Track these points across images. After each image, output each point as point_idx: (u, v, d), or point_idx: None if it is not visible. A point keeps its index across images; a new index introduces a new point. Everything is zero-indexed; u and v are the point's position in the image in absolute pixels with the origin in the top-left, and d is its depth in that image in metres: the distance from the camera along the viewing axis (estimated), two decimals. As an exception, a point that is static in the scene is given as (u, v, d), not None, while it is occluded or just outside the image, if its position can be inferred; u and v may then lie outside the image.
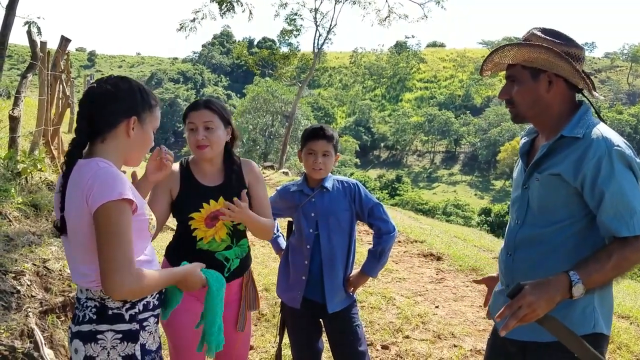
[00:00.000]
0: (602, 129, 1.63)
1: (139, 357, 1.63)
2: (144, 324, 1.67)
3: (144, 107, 1.71)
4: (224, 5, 17.10)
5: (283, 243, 2.75)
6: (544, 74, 1.68)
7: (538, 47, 1.65)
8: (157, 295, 1.74)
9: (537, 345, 1.70)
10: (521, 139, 1.96)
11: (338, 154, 2.54)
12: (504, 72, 1.83)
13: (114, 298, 1.54)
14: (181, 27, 19.12)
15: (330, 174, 2.54)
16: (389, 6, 20.63)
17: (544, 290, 1.51)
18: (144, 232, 1.68)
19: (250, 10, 17.47)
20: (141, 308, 1.66)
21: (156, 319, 1.74)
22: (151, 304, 1.70)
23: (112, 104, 1.66)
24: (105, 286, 1.49)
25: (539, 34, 1.71)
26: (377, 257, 2.54)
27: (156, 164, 1.95)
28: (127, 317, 1.62)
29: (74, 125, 1.73)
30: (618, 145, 1.59)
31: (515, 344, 1.77)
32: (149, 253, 1.73)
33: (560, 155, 1.66)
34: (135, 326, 1.63)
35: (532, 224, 1.75)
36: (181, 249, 2.18)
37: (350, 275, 2.56)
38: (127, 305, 1.63)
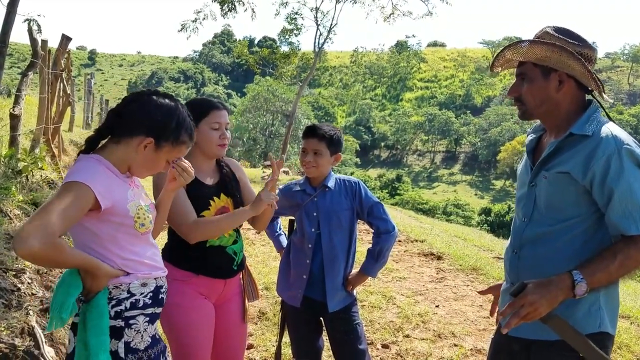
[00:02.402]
0: (611, 128, 1.62)
1: (122, 355, 1.62)
2: (131, 322, 1.65)
3: (168, 137, 1.69)
4: (226, 6, 17.01)
5: (284, 241, 2.75)
6: (554, 73, 1.67)
7: (552, 45, 1.64)
8: (150, 294, 1.71)
9: (542, 343, 1.69)
10: (527, 135, 1.94)
11: (339, 154, 2.51)
12: (512, 71, 1.82)
13: (16, 253, 1.43)
14: (182, 28, 19.04)
15: (332, 172, 2.54)
16: (392, 3, 20.46)
17: (546, 289, 1.52)
18: (127, 230, 1.65)
19: (252, 9, 17.38)
20: (128, 305, 1.65)
21: (148, 318, 1.71)
22: (141, 302, 1.68)
23: (140, 115, 1.66)
24: (14, 239, 1.41)
25: (553, 32, 1.69)
26: (375, 257, 2.53)
27: (172, 174, 1.88)
28: (112, 313, 1.62)
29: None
30: (628, 144, 1.58)
31: (520, 342, 1.77)
32: (141, 252, 1.70)
33: (569, 153, 1.65)
34: (120, 323, 1.63)
35: (539, 221, 1.73)
36: (189, 249, 2.15)
37: (350, 274, 2.56)
38: (113, 302, 1.62)
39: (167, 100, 1.71)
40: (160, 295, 1.77)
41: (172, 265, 2.16)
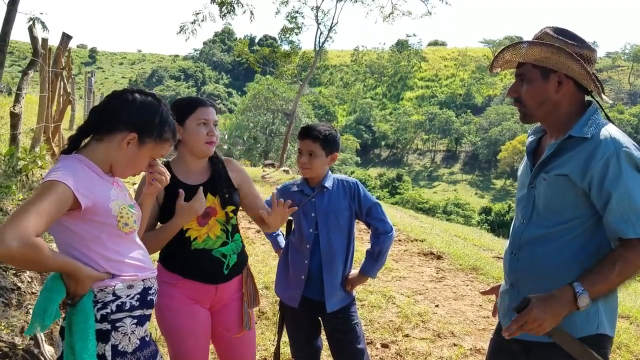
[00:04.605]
0: (610, 130, 1.62)
1: (110, 358, 1.61)
2: (117, 324, 1.63)
3: (151, 133, 1.69)
4: (224, 7, 16.97)
5: (282, 242, 2.75)
6: (554, 74, 1.66)
7: (550, 46, 1.63)
8: (137, 296, 1.69)
9: (541, 345, 1.70)
10: (528, 137, 1.93)
11: (335, 153, 2.50)
12: (512, 70, 1.82)
13: None
14: (181, 30, 19.01)
15: (330, 172, 2.54)
16: (392, 3, 20.48)
17: (549, 304, 1.53)
18: (111, 230, 1.63)
19: (251, 12, 17.36)
20: (114, 308, 1.63)
21: (136, 320, 1.68)
22: (127, 304, 1.66)
23: (124, 111, 1.66)
24: None
25: (552, 33, 1.69)
26: (374, 258, 2.53)
27: (148, 178, 1.87)
28: (98, 316, 1.60)
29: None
30: (627, 147, 1.57)
31: (519, 344, 1.77)
32: (126, 253, 1.68)
33: (568, 156, 1.65)
34: (106, 326, 1.61)
35: (538, 223, 1.73)
36: (175, 252, 2.12)
37: (349, 274, 2.55)
38: (98, 305, 1.61)
39: (149, 98, 1.72)
40: (149, 297, 1.74)
41: (160, 266, 2.14)
